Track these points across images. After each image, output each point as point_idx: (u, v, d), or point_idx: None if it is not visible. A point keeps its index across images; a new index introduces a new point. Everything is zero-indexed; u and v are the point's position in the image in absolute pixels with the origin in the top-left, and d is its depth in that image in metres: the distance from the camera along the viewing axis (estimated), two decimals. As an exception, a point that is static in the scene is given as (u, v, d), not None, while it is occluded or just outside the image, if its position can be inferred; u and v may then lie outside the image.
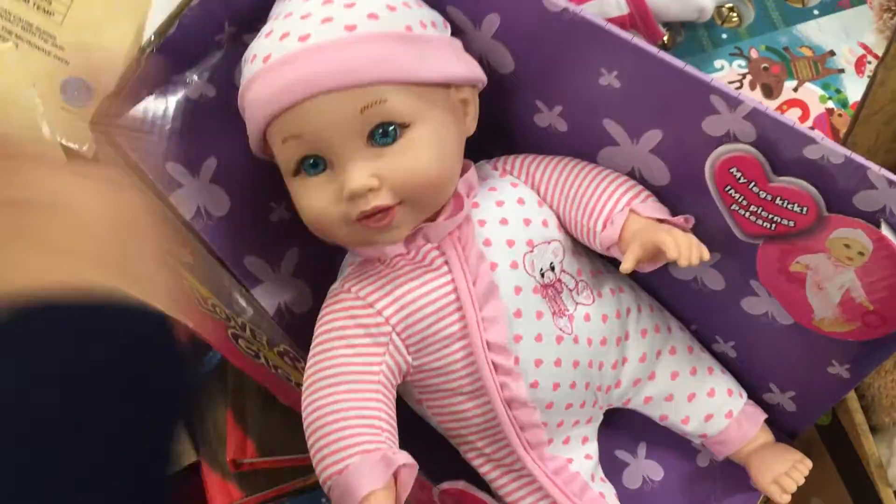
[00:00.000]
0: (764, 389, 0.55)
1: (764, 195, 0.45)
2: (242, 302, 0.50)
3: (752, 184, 0.45)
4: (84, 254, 0.31)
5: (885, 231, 0.43)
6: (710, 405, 0.53)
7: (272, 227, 0.51)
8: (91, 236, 0.32)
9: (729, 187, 0.46)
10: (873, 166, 0.43)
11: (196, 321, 0.59)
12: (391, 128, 0.43)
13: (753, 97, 0.69)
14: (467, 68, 0.47)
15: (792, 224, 0.45)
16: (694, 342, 0.55)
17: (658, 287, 0.55)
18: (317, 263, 0.52)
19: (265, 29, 0.45)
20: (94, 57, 0.69)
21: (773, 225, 0.46)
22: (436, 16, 0.47)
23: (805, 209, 0.45)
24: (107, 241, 0.32)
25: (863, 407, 0.53)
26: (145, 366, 0.30)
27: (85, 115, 0.66)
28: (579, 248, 0.51)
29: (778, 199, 0.45)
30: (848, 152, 0.43)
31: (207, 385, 0.63)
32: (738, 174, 0.46)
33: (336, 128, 0.43)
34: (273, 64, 0.43)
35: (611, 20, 0.67)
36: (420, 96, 0.44)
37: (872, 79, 0.47)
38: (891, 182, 0.43)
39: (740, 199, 0.46)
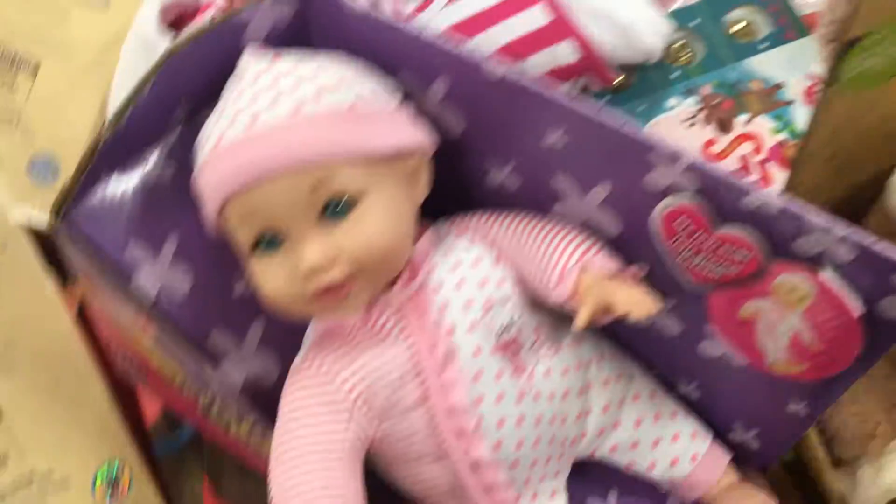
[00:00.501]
0: (729, 428, 0.56)
1: (709, 244, 0.47)
2: (208, 378, 0.50)
3: (697, 234, 0.47)
4: None
5: (825, 275, 0.44)
6: (675, 450, 0.54)
7: (236, 301, 0.52)
8: None
9: (675, 238, 0.48)
10: (810, 213, 0.44)
11: (167, 397, 0.60)
12: (342, 202, 0.44)
13: (708, 132, 0.72)
14: (416, 136, 0.48)
15: (737, 271, 0.47)
16: (657, 386, 0.56)
17: (618, 333, 0.56)
18: (282, 334, 0.52)
19: (216, 111, 0.46)
20: (58, 133, 0.70)
21: (720, 273, 0.47)
22: (384, 85, 0.48)
23: (748, 256, 0.46)
24: None
25: (825, 440, 0.54)
26: None
27: (52, 192, 0.68)
28: (537, 303, 0.52)
29: (722, 247, 0.46)
30: (785, 200, 0.44)
31: (184, 456, 0.63)
32: (683, 225, 0.47)
33: (287, 207, 0.44)
34: (223, 148, 0.44)
35: (562, 68, 0.69)
36: (369, 169, 0.45)
37: (809, 121, 0.48)
38: (827, 227, 0.44)
39: (687, 249, 0.48)
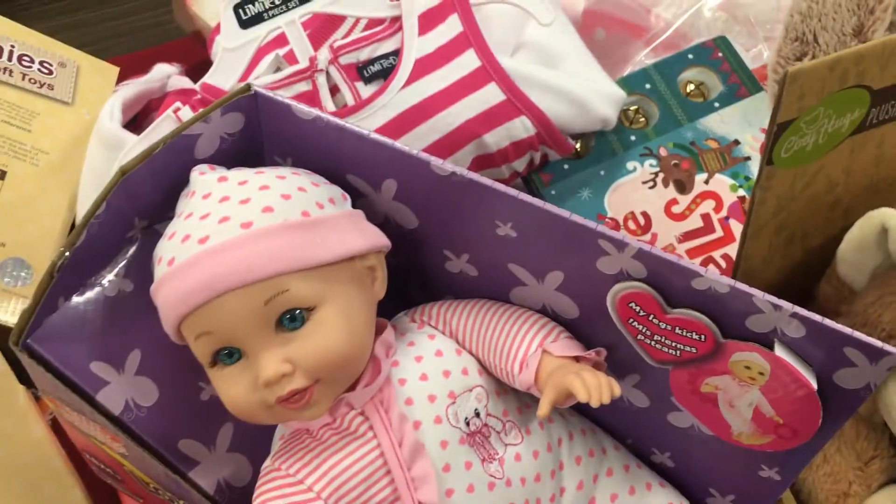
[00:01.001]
0: (706, 494, 0.56)
1: (664, 326, 0.47)
2: (181, 485, 0.50)
3: (651, 316, 0.47)
4: None
5: (778, 351, 0.45)
6: (653, 523, 0.54)
7: (204, 406, 0.53)
8: None
9: (631, 320, 0.48)
10: (757, 293, 0.45)
11: (145, 500, 0.60)
12: (297, 313, 0.45)
13: (669, 193, 0.73)
14: (369, 239, 0.49)
15: (694, 350, 0.47)
16: (630, 459, 0.56)
17: (589, 409, 0.56)
18: (252, 436, 0.53)
19: (168, 230, 0.47)
20: (29, 234, 0.71)
21: (678, 352, 0.48)
22: (334, 191, 0.49)
23: (703, 337, 0.47)
24: None
25: (800, 502, 0.54)
26: None
27: (26, 293, 0.68)
28: (504, 388, 0.52)
29: (677, 328, 0.47)
30: (732, 282, 0.45)
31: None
32: (637, 308, 0.48)
33: (243, 322, 0.44)
34: (176, 268, 0.45)
35: (520, 142, 0.70)
36: (323, 277, 0.46)
37: (752, 199, 0.49)
38: (775, 306, 0.45)
39: (644, 330, 0.48)
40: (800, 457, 0.50)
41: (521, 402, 0.53)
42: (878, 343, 0.43)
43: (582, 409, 0.57)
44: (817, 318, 0.44)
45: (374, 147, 0.49)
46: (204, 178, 0.47)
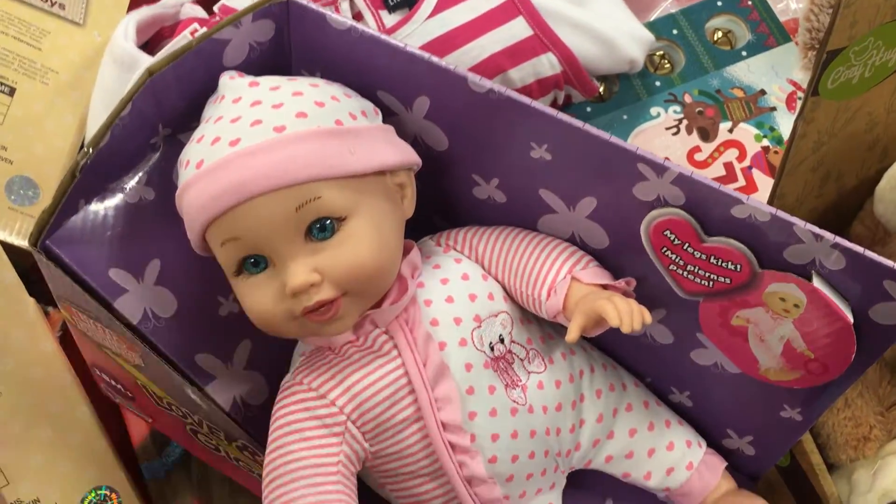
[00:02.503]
0: (723, 435, 0.56)
1: (699, 255, 0.46)
2: (196, 399, 0.50)
3: (686, 245, 0.47)
4: None
5: (816, 283, 0.44)
6: (671, 458, 0.54)
7: (222, 321, 0.52)
8: None
9: (665, 249, 0.47)
10: (799, 222, 0.44)
11: (154, 418, 0.59)
12: (328, 222, 0.44)
13: (692, 140, 0.72)
14: (400, 154, 0.47)
15: (728, 281, 0.46)
16: (650, 396, 0.55)
17: (610, 344, 0.56)
18: (270, 354, 0.52)
19: (196, 133, 0.46)
20: (37, 153, 0.69)
21: (711, 283, 0.47)
22: (366, 104, 0.48)
23: (739, 266, 0.46)
24: None
25: (819, 446, 0.54)
26: None
27: (33, 213, 0.67)
28: (528, 316, 0.51)
29: (712, 258, 0.46)
30: (774, 210, 0.44)
31: (172, 478, 0.62)
32: (672, 236, 0.47)
33: (273, 228, 0.43)
34: (205, 170, 0.43)
35: (545, 79, 0.69)
36: (355, 188, 0.45)
37: (793, 133, 0.48)
38: (817, 236, 0.44)
39: (677, 260, 0.47)
40: (824, 397, 0.50)
41: (544, 331, 0.52)
42: (919, 276, 0.43)
43: (603, 345, 0.56)
44: (859, 249, 0.43)
45: (408, 61, 0.48)
46: (234, 83, 0.46)
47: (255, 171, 0.43)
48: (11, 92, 0.69)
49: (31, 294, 0.60)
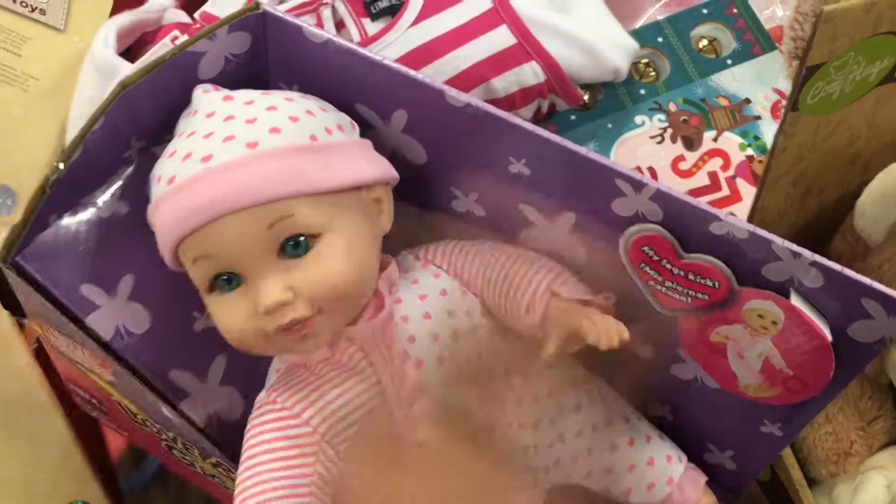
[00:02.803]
0: (704, 450, 0.56)
1: (677, 271, 0.46)
2: (170, 416, 0.49)
3: (665, 261, 0.46)
4: None
5: (794, 301, 0.44)
6: (651, 474, 0.53)
7: (196, 337, 0.51)
8: None
9: (643, 264, 0.47)
10: (777, 239, 0.44)
11: (130, 433, 0.58)
12: (301, 239, 0.43)
13: (676, 149, 0.71)
14: (377, 169, 0.47)
15: (706, 297, 0.46)
16: (630, 411, 0.55)
17: (590, 358, 0.55)
18: (245, 369, 0.51)
19: (169, 148, 0.45)
20: (15, 161, 0.68)
21: (689, 299, 0.47)
22: (342, 118, 0.47)
23: (717, 283, 0.45)
24: None
25: (800, 461, 0.54)
26: None
27: (10, 222, 0.66)
28: (507, 331, 0.51)
29: (690, 274, 0.46)
30: (752, 227, 0.44)
31: (149, 491, 0.62)
32: (651, 252, 0.46)
33: (245, 246, 0.43)
34: (177, 186, 0.43)
35: (529, 88, 0.68)
36: (329, 204, 0.44)
37: (773, 146, 0.48)
38: (795, 253, 0.43)
39: (655, 276, 0.47)
40: (804, 412, 0.50)
41: (524, 348, 0.51)
42: (898, 295, 0.42)
43: (583, 360, 0.55)
44: (837, 266, 0.43)
45: (386, 74, 0.48)
46: (208, 97, 0.45)
47: (227, 188, 0.42)
48: (-9, 100, 0.69)
49: (5, 306, 0.59)
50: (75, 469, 0.59)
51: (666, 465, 0.54)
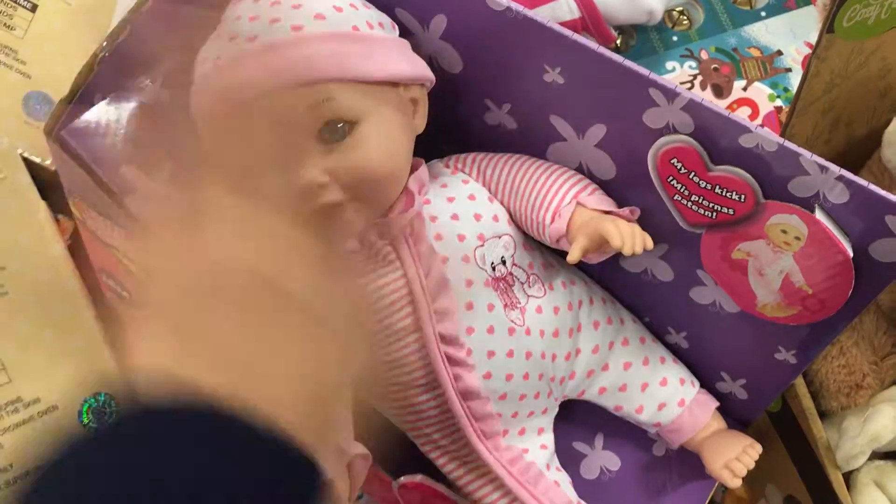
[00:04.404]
0: (716, 378, 0.56)
1: (704, 184, 0.47)
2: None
3: (692, 174, 0.47)
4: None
5: (819, 215, 0.45)
6: (663, 394, 0.54)
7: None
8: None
9: (671, 178, 0.48)
10: (805, 153, 0.44)
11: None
12: (339, 125, 0.44)
13: (705, 96, 0.72)
14: (415, 67, 0.48)
15: (731, 212, 0.47)
16: (646, 333, 0.56)
17: (610, 279, 0.56)
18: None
19: (215, 32, 0.46)
20: (55, 70, 0.69)
21: (714, 213, 0.47)
22: (383, 17, 0.48)
23: (743, 197, 0.46)
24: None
25: (811, 393, 0.55)
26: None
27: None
28: (530, 242, 0.52)
29: (717, 187, 0.47)
30: (781, 140, 0.44)
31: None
32: (679, 165, 0.47)
33: (285, 126, 0.44)
34: (221, 67, 0.44)
35: (562, 24, 0.68)
36: (368, 94, 0.45)
37: (807, 70, 0.48)
38: (822, 167, 0.44)
39: (682, 189, 0.48)
40: (819, 338, 0.50)
41: (546, 259, 0.53)
42: (922, 212, 0.43)
43: (604, 281, 0.56)
44: (863, 182, 0.44)
45: (428, -24, 0.48)
46: (255, -15, 0.46)
47: (269, 66, 0.43)
48: (34, 8, 0.70)
49: (43, 195, 0.60)
50: (101, 362, 0.60)
51: (679, 386, 0.55)
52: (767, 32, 0.74)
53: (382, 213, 0.47)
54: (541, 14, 0.68)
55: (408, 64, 0.47)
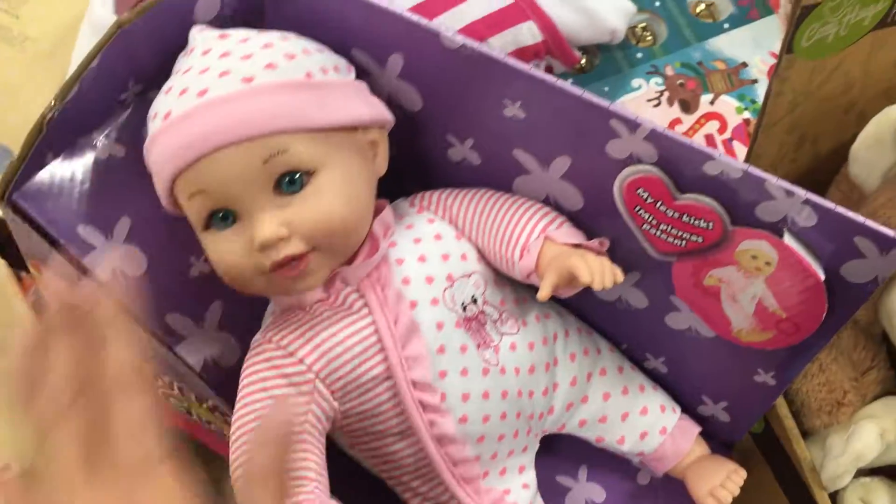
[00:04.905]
0: (697, 402, 0.56)
1: (671, 213, 0.46)
2: (167, 360, 0.49)
3: (659, 203, 0.46)
4: None
5: (787, 240, 0.44)
6: (644, 423, 0.53)
7: (193, 281, 0.51)
8: None
9: (638, 208, 0.47)
10: (770, 178, 0.44)
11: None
12: (297, 176, 0.43)
13: (673, 112, 0.71)
14: (372, 110, 0.47)
15: (700, 239, 0.46)
16: (624, 361, 0.55)
17: (584, 309, 0.55)
18: (242, 315, 0.51)
19: (166, 86, 0.45)
20: (10, 121, 0.68)
21: (683, 241, 0.47)
22: (338, 60, 0.48)
23: (711, 224, 0.46)
24: None
25: (793, 412, 0.54)
26: None
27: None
28: (501, 278, 0.51)
29: (685, 216, 0.46)
30: (746, 166, 0.44)
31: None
32: (645, 194, 0.46)
33: (240, 180, 0.43)
34: (173, 121, 0.43)
35: (525, 48, 0.68)
36: (324, 142, 0.44)
37: (769, 91, 0.48)
38: (788, 192, 0.44)
39: (650, 219, 0.47)
40: (797, 359, 0.50)
41: (518, 294, 0.52)
42: (891, 232, 0.42)
43: (579, 311, 0.56)
44: (830, 204, 0.43)
45: (381, 17, 0.48)
46: (204, 35, 0.46)
47: (222, 121, 0.42)
48: (-12, 60, 0.69)
49: (3, 254, 0.59)
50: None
51: (660, 414, 0.54)
52: (731, 45, 0.73)
53: (347, 260, 0.46)
54: (503, 39, 0.69)
55: (365, 107, 0.47)
